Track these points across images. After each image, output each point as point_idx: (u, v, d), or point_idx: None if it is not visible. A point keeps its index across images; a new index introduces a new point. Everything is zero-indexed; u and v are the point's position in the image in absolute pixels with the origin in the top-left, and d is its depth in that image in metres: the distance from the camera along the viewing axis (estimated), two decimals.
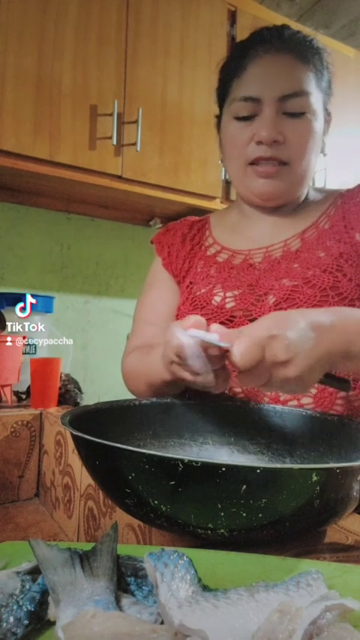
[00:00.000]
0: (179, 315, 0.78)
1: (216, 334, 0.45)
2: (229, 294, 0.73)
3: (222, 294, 0.74)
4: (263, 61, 0.69)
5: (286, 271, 0.70)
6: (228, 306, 0.72)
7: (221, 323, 0.71)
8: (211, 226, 0.86)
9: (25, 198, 1.61)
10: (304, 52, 0.70)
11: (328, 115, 0.75)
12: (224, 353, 0.45)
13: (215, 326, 0.46)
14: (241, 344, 0.42)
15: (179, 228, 0.88)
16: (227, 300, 0.73)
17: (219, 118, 0.79)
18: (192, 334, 0.45)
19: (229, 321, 0.71)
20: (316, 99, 0.70)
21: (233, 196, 1.51)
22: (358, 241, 0.69)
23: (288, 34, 0.71)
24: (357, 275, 0.67)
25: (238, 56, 0.72)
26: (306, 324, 0.45)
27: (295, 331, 0.44)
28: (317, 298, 0.66)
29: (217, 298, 0.74)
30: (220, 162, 0.83)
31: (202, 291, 0.76)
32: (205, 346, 0.45)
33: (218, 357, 0.47)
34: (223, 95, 0.76)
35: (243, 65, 0.71)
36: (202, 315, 0.73)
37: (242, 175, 0.74)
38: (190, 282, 0.80)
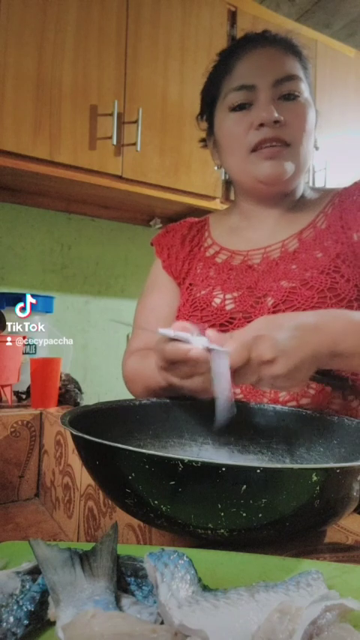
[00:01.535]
0: (179, 317, 0.78)
1: (204, 334, 0.47)
2: (228, 295, 0.73)
3: (222, 295, 0.74)
4: (252, 54, 0.71)
5: (284, 273, 0.70)
6: (228, 308, 0.72)
7: (221, 325, 0.71)
8: (210, 227, 0.86)
9: (25, 198, 1.61)
10: (289, 46, 0.73)
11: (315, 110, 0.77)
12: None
13: (210, 331, 0.48)
14: (229, 346, 0.45)
15: (179, 229, 0.88)
16: (227, 302, 0.73)
17: (208, 131, 0.80)
18: (176, 336, 0.46)
19: (229, 322, 0.70)
20: (306, 87, 0.72)
21: (233, 196, 1.51)
22: (356, 241, 0.69)
23: (269, 34, 0.74)
24: (354, 276, 0.67)
25: (226, 59, 0.74)
26: (291, 325, 0.48)
27: (280, 332, 0.46)
28: (315, 300, 0.66)
29: (217, 300, 0.74)
30: (216, 168, 0.84)
31: (202, 292, 0.76)
32: (186, 351, 0.47)
33: (203, 362, 0.47)
34: (213, 101, 0.77)
35: (232, 64, 0.72)
36: (202, 316, 0.73)
37: (245, 164, 0.73)
38: (190, 284, 0.80)
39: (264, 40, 0.72)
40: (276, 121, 0.68)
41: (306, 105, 0.71)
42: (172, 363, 0.49)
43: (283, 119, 0.69)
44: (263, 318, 0.50)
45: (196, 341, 0.47)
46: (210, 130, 0.80)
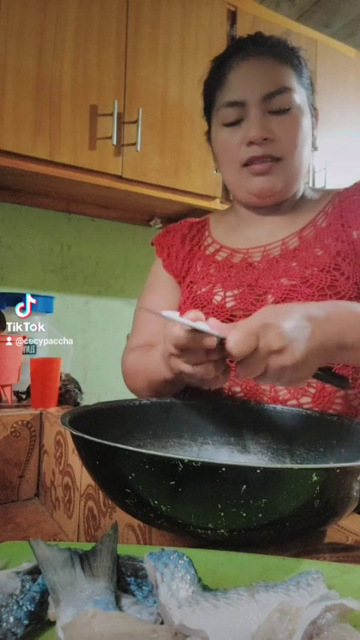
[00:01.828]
0: (180, 315, 0.78)
1: (206, 323, 0.46)
2: (229, 293, 0.74)
3: (222, 293, 0.74)
4: (242, 67, 0.71)
5: (284, 270, 0.71)
6: (228, 305, 0.73)
7: (221, 322, 0.71)
8: (211, 227, 0.87)
9: (25, 198, 1.61)
10: (281, 53, 0.72)
11: (314, 110, 0.77)
12: (221, 345, 0.46)
13: (212, 320, 0.47)
14: (235, 333, 0.44)
15: (179, 229, 0.88)
16: (227, 299, 0.73)
17: (208, 132, 0.80)
18: (184, 322, 0.46)
19: (229, 320, 0.71)
20: (299, 95, 0.71)
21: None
22: (356, 239, 0.69)
23: (261, 39, 0.73)
24: (355, 273, 0.67)
25: (218, 69, 0.74)
26: (300, 315, 0.47)
27: (289, 321, 0.45)
28: (315, 297, 0.66)
29: (218, 297, 0.74)
30: (215, 172, 0.84)
31: (203, 290, 0.76)
32: (201, 337, 0.46)
33: (215, 350, 0.47)
34: (209, 108, 0.78)
35: (223, 75, 0.72)
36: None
37: (238, 178, 0.75)
38: (191, 282, 0.80)
39: (255, 47, 0.71)
40: (265, 138, 0.69)
41: (298, 115, 0.71)
42: (183, 350, 0.48)
43: (273, 135, 0.69)
44: (270, 307, 0.49)
45: (200, 326, 0.46)
46: (209, 133, 0.81)
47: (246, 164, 0.72)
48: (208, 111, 0.78)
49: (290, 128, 0.70)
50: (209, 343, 0.46)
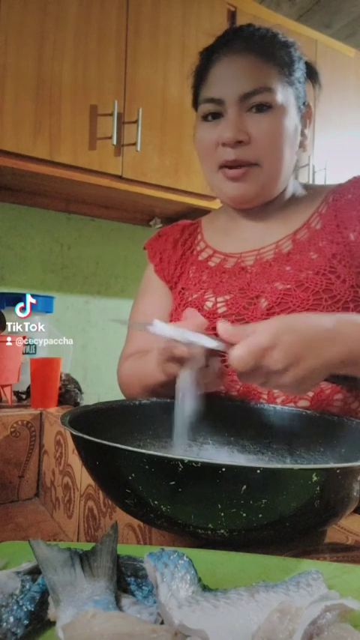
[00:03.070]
0: (172, 321, 0.77)
1: (217, 327, 0.46)
2: (220, 299, 0.72)
3: (213, 299, 0.73)
4: (223, 63, 0.68)
5: (278, 274, 0.69)
6: (220, 311, 0.71)
7: (213, 329, 0.70)
8: (203, 230, 0.85)
9: (25, 198, 1.61)
10: (266, 49, 0.68)
11: (307, 107, 0.73)
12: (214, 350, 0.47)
13: (221, 324, 0.46)
14: (239, 350, 0.43)
15: (171, 233, 0.87)
16: (219, 304, 0.72)
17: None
18: (173, 336, 0.46)
19: None
20: (283, 94, 0.67)
21: None
22: (352, 241, 0.68)
23: (248, 32, 0.70)
24: (350, 276, 0.66)
25: (204, 61, 0.72)
26: (309, 334, 0.46)
27: (295, 338, 0.45)
28: (310, 301, 0.65)
29: (209, 304, 0.73)
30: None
31: (194, 296, 0.75)
32: (190, 351, 0.47)
33: (212, 356, 0.48)
34: (194, 104, 0.76)
35: (207, 69, 0.70)
36: None
37: (214, 179, 0.72)
38: (183, 288, 0.79)
39: (240, 42, 0.68)
40: (239, 141, 0.66)
41: (279, 115, 0.67)
42: (179, 359, 0.49)
43: (248, 137, 0.66)
44: (280, 319, 0.48)
45: (203, 341, 0.46)
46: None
47: (222, 166, 0.69)
48: (195, 105, 0.76)
49: (268, 130, 0.66)
50: (200, 358, 0.46)
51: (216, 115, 0.69)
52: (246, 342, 0.44)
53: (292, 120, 0.69)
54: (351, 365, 0.49)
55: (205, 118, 0.70)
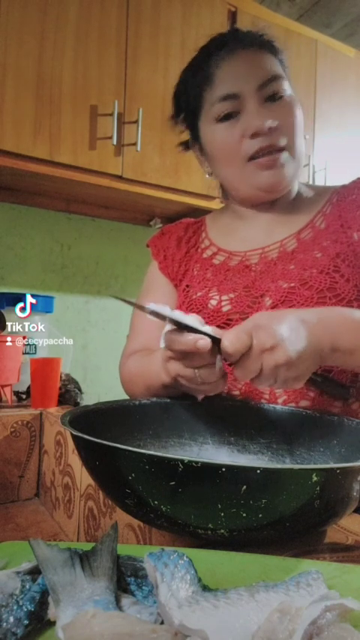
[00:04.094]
0: None
1: (199, 318, 0.48)
2: (224, 297, 0.72)
3: (218, 297, 0.73)
4: (230, 61, 0.69)
5: (282, 272, 0.70)
6: (224, 309, 0.72)
7: (218, 326, 0.70)
8: (207, 228, 0.85)
9: (25, 198, 1.61)
10: (264, 43, 0.71)
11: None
12: (217, 348, 0.47)
13: (207, 327, 0.48)
14: (229, 333, 0.46)
15: (175, 231, 0.87)
16: (223, 303, 0.72)
17: (192, 138, 0.79)
18: (171, 316, 0.46)
19: (226, 324, 0.70)
20: (287, 84, 0.71)
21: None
22: (356, 241, 0.68)
23: (241, 33, 0.72)
24: (354, 275, 0.66)
25: (203, 68, 0.72)
26: (293, 318, 0.49)
27: (281, 322, 0.47)
28: (314, 300, 0.65)
29: (213, 302, 0.73)
30: (207, 176, 0.81)
31: (199, 294, 0.75)
32: (194, 339, 0.46)
33: (213, 353, 0.48)
34: (194, 111, 0.75)
35: (211, 73, 0.70)
36: None
37: (244, 173, 0.71)
38: (187, 286, 0.79)
39: (238, 42, 0.70)
40: (270, 128, 0.67)
41: (292, 102, 0.70)
42: (182, 353, 0.49)
43: (275, 123, 0.68)
44: (262, 312, 0.51)
45: (198, 325, 0.47)
46: (194, 137, 0.79)
47: (252, 158, 0.69)
48: (191, 116, 0.76)
49: (288, 115, 0.69)
50: (203, 345, 0.46)
51: (228, 116, 0.70)
52: (234, 328, 0.47)
53: (299, 109, 0.72)
54: (338, 353, 0.51)
55: (219, 119, 0.70)
